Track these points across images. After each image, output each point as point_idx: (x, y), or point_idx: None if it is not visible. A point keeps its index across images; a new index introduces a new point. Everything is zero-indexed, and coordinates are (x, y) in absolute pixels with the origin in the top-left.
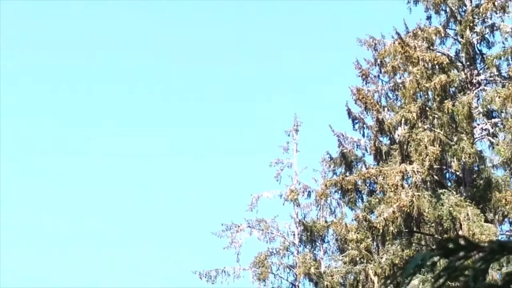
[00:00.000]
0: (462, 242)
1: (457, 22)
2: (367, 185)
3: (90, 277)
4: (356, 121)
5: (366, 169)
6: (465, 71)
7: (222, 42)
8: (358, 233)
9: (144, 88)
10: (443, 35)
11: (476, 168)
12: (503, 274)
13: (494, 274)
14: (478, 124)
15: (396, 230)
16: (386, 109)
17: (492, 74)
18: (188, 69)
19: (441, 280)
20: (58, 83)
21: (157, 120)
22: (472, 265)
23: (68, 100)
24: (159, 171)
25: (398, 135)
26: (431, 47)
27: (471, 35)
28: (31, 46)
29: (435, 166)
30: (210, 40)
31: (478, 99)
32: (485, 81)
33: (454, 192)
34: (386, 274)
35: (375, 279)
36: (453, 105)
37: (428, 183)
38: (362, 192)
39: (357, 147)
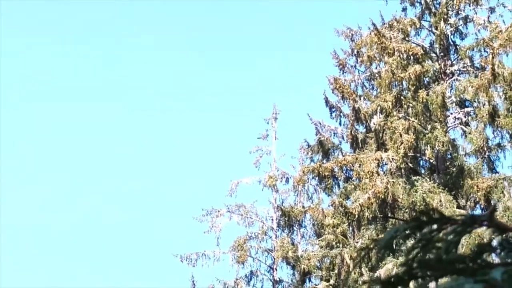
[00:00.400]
0: (435, 215)
1: (432, 14)
2: (344, 172)
3: (76, 269)
4: (333, 109)
5: (343, 156)
6: (439, 61)
7: (203, 31)
8: (334, 218)
9: (136, 85)
10: (418, 26)
11: (449, 156)
12: (475, 246)
13: None
14: (451, 113)
15: (371, 216)
16: (362, 98)
17: (465, 65)
18: (171, 56)
19: (414, 252)
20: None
21: (142, 106)
22: (444, 237)
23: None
24: (142, 158)
25: (374, 124)
26: (406, 38)
27: (445, 26)
28: None
29: (409, 154)
30: (194, 30)
31: (452, 89)
32: (458, 72)
33: (428, 179)
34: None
35: (351, 262)
36: (427, 95)
37: (403, 170)
38: (339, 178)
39: (334, 135)
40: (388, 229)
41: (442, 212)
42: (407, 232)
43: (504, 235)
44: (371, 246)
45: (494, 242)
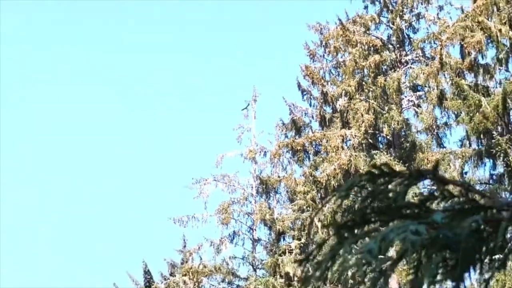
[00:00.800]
0: (385, 169)
1: (389, 11)
2: (313, 146)
3: (75, 227)
4: (305, 93)
5: (312, 133)
6: (395, 52)
7: (190, 17)
8: (305, 186)
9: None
10: (377, 22)
11: (403, 133)
12: (418, 195)
13: None
14: (405, 96)
15: (336, 184)
16: (329, 83)
17: (418, 55)
18: (157, 36)
19: (368, 201)
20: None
21: (139, 84)
22: (394, 188)
23: None
24: (143, 136)
25: (339, 105)
26: (367, 32)
27: (401, 22)
28: None
29: (369, 131)
30: (180, 13)
31: (406, 76)
32: (411, 61)
33: (385, 153)
34: (328, 221)
35: (319, 224)
36: (385, 80)
37: (364, 145)
38: (309, 152)
39: (305, 115)
40: (350, 196)
41: (392, 167)
42: (362, 183)
43: (444, 187)
44: (332, 196)
45: (436, 193)
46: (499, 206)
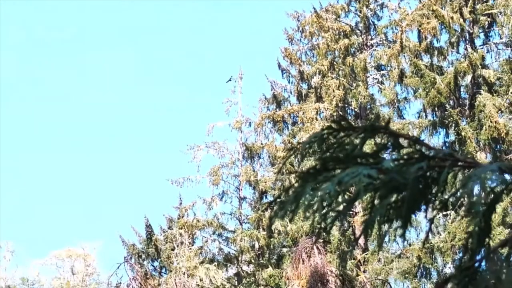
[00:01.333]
0: (344, 124)
1: (357, 1)
2: (291, 118)
3: (86, 180)
4: (284, 71)
5: (291, 106)
6: (362, 36)
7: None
8: (284, 152)
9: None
10: (346, 10)
11: (369, 106)
12: (371, 145)
13: None
14: (371, 75)
15: (311, 150)
16: (305, 63)
17: (381, 39)
18: (149, 20)
19: (328, 153)
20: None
21: (141, 72)
22: (351, 141)
23: None
24: (147, 109)
25: (314, 82)
26: (338, 19)
27: (367, 11)
28: None
29: (340, 105)
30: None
31: (371, 57)
32: (376, 44)
33: (353, 124)
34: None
35: (296, 184)
36: (353, 61)
37: (335, 117)
38: (288, 122)
39: (284, 91)
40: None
41: (350, 122)
42: (324, 136)
43: (395, 139)
44: (297, 147)
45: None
46: (442, 155)
